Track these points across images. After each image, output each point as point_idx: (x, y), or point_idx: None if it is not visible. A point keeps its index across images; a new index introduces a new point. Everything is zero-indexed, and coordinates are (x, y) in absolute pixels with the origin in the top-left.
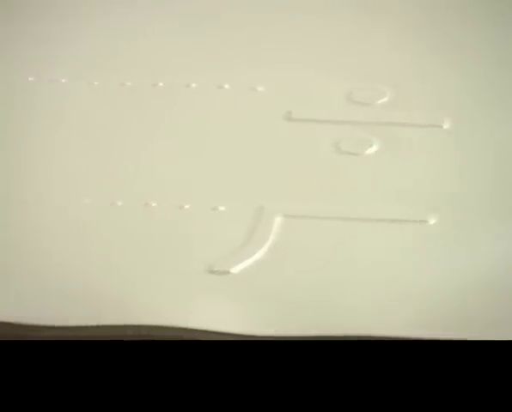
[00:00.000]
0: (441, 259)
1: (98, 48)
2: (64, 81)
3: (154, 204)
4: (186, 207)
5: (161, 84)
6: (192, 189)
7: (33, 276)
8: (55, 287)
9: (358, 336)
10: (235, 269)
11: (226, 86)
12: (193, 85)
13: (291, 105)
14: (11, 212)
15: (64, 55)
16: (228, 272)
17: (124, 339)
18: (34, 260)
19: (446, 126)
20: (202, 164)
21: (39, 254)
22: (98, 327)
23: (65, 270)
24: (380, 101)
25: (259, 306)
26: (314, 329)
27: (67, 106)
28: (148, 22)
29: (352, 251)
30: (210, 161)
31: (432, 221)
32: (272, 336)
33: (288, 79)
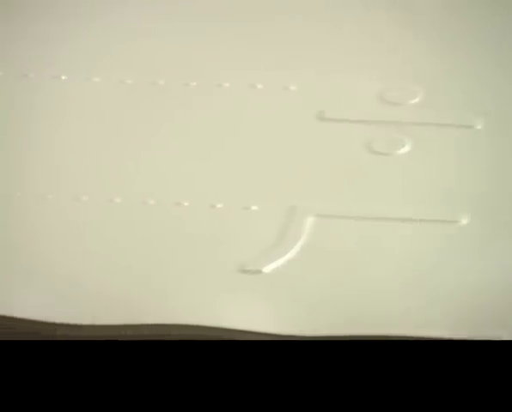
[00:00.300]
0: (471, 260)
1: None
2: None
3: (186, 204)
4: (219, 206)
5: (194, 83)
6: (224, 188)
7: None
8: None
9: (387, 336)
10: (267, 269)
11: (259, 85)
12: (226, 84)
13: (323, 105)
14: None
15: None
16: (260, 272)
17: (155, 339)
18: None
19: (478, 126)
20: (235, 163)
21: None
22: (128, 326)
23: (86, 269)
24: (412, 101)
25: (290, 306)
26: (345, 328)
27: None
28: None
29: (383, 251)
30: (243, 161)
31: (464, 222)
32: (303, 336)
33: (320, 79)
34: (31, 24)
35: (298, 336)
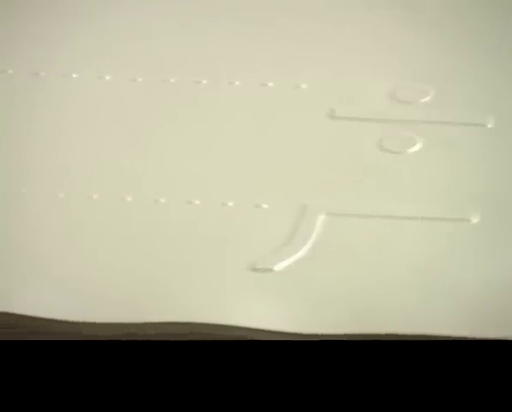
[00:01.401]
0: (483, 258)
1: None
2: (74, 76)
3: (197, 202)
4: (230, 204)
5: (204, 81)
6: (235, 186)
7: (66, 274)
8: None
9: (397, 335)
10: (278, 267)
11: (270, 84)
12: (237, 83)
13: (334, 103)
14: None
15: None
16: (270, 270)
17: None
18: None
19: (489, 125)
20: (246, 161)
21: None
22: (142, 325)
23: (100, 267)
24: (423, 100)
25: (301, 304)
26: (356, 327)
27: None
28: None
29: (394, 250)
30: (254, 159)
31: (475, 220)
32: (314, 334)
33: (331, 77)
34: (40, 18)
35: (309, 335)
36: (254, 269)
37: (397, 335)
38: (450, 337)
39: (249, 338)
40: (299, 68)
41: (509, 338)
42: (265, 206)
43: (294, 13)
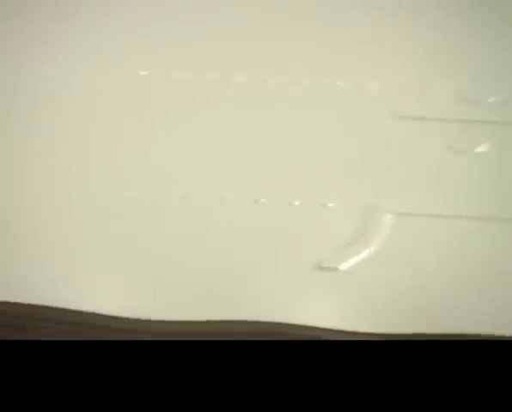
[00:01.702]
0: None
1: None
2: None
3: (264, 201)
4: (296, 203)
5: (272, 80)
6: (301, 186)
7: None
8: (158, 282)
9: (464, 335)
10: (344, 266)
11: (338, 83)
12: (305, 81)
13: (401, 103)
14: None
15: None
16: (336, 269)
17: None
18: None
19: None
20: (312, 161)
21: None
22: (208, 322)
23: (178, 265)
24: (490, 100)
25: (366, 304)
26: (424, 327)
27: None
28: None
29: (461, 250)
30: (321, 159)
31: None
32: (380, 334)
33: (398, 77)
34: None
35: (374, 334)
36: (320, 268)
37: (464, 335)
38: None
39: (323, 338)
40: (366, 68)
41: None
42: (331, 205)
43: (358, 11)
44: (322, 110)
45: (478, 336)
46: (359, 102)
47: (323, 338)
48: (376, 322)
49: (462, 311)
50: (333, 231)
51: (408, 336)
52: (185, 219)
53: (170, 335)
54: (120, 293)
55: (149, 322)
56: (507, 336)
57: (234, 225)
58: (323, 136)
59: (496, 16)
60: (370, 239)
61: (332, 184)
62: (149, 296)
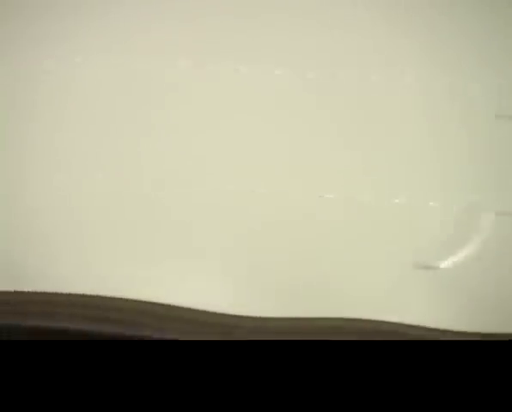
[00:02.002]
0: None
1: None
2: (77, 59)
3: (366, 199)
4: (396, 201)
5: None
6: (403, 184)
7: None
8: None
9: None
10: (444, 265)
11: (444, 78)
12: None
13: (502, 102)
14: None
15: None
16: (437, 268)
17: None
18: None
19: None
20: (414, 160)
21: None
22: (306, 319)
23: (268, 261)
24: None
25: (466, 303)
26: None
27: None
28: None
29: None
30: (424, 158)
31: None
32: (476, 333)
33: (499, 77)
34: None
35: (474, 334)
36: (420, 267)
37: None
38: None
39: (428, 338)
40: (470, 67)
41: None
42: (431, 204)
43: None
44: (418, 112)
45: None
46: (462, 103)
47: (428, 338)
48: (473, 321)
49: None
50: (434, 230)
51: (505, 335)
52: (283, 217)
53: (266, 332)
54: (216, 290)
55: (245, 318)
56: None
57: (332, 222)
58: (427, 136)
59: None
60: (471, 239)
61: (434, 183)
62: (245, 293)
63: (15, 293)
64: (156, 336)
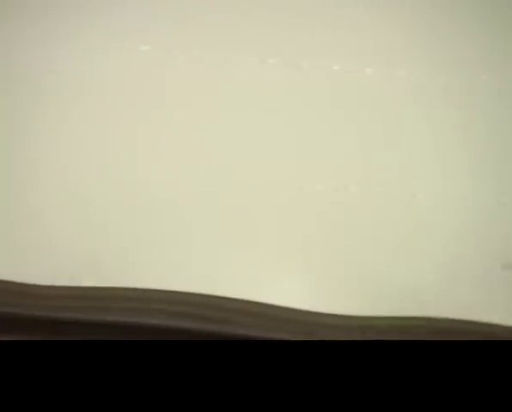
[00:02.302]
0: None
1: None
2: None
3: (439, 196)
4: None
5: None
6: (477, 183)
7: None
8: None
9: None
10: None
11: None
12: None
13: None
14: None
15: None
16: None
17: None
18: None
19: None
20: (489, 159)
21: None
22: (392, 318)
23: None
24: None
25: None
26: None
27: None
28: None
29: None
30: (497, 157)
31: None
32: None
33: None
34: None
35: None
36: (508, 267)
37: None
38: None
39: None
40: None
41: None
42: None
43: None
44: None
45: None
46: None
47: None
48: None
49: None
50: None
51: None
52: (373, 217)
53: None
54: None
55: (327, 316)
56: None
57: (424, 223)
58: (494, 135)
59: None
60: None
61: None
62: (330, 290)
63: (102, 288)
64: (241, 332)
